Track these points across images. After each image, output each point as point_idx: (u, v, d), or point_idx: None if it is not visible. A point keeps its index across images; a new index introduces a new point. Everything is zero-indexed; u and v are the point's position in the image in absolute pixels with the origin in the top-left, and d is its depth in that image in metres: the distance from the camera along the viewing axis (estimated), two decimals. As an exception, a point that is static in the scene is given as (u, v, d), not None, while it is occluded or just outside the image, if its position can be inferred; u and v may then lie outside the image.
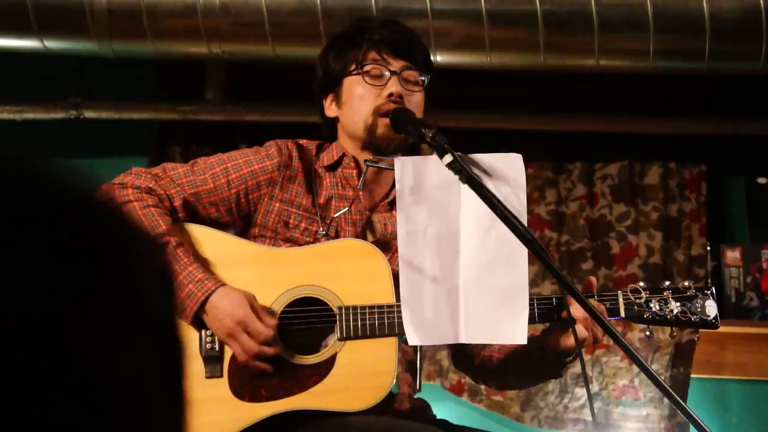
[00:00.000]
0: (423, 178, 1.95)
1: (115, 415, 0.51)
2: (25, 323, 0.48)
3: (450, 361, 2.32)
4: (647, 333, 2.05)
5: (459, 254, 1.93)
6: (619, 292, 2.03)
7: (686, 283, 2.05)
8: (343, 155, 2.14)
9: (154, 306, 0.55)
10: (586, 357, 3.63)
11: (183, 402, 0.56)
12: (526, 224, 1.78)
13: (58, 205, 0.52)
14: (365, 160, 2.08)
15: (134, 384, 0.52)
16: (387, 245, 2.09)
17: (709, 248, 3.73)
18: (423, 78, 2.12)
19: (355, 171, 2.13)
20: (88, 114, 3.78)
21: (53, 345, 0.49)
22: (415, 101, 2.10)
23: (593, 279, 2.04)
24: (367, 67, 2.09)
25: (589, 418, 3.62)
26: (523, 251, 1.88)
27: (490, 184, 1.88)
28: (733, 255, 3.69)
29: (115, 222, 0.55)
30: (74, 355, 0.49)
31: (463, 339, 1.92)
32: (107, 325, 0.51)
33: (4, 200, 0.50)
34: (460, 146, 1.90)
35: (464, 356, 2.17)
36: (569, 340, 1.94)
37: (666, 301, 2.03)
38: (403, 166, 1.95)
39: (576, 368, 3.62)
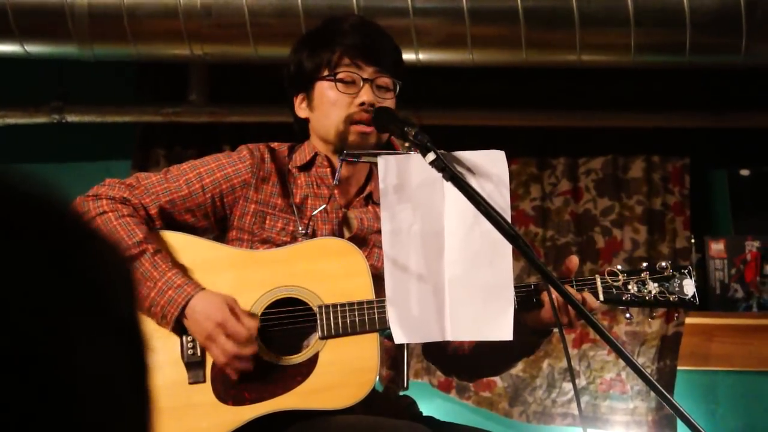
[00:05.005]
0: (407, 176, 1.96)
1: (86, 409, 0.52)
2: None
3: (422, 353, 2.32)
4: (627, 315, 2.05)
5: (444, 252, 1.93)
6: (597, 276, 2.04)
7: (663, 264, 2.06)
8: (316, 154, 2.15)
9: (117, 304, 0.56)
10: (573, 351, 3.64)
11: (148, 395, 0.58)
12: (510, 220, 1.78)
13: (13, 210, 0.53)
14: (339, 156, 2.08)
15: (102, 378, 0.54)
16: (364, 240, 2.10)
17: (693, 241, 3.74)
18: (393, 87, 2.13)
19: (329, 169, 2.14)
20: (71, 118, 3.76)
21: (23, 345, 0.50)
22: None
23: (572, 263, 2.03)
24: (340, 75, 2.09)
25: (577, 412, 3.63)
26: (507, 247, 1.89)
27: (473, 182, 1.88)
28: (717, 247, 3.71)
29: (72, 224, 0.56)
30: (43, 353, 0.51)
31: (449, 336, 1.93)
32: (73, 324, 0.53)
33: None
34: (443, 144, 1.90)
35: (435, 346, 2.16)
36: (546, 319, 1.96)
37: (644, 283, 2.04)
38: (387, 165, 1.96)
39: (563, 363, 3.63)
